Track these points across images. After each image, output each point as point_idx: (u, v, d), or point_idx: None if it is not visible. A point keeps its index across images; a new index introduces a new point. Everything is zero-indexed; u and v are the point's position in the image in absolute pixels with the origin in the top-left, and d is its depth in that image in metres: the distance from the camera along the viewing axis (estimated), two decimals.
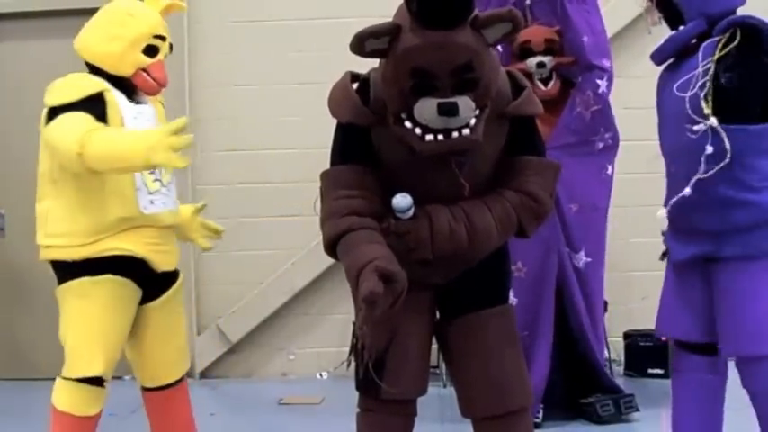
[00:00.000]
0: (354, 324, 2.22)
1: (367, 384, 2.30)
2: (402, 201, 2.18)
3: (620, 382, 4.07)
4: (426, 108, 2.07)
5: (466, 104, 2.07)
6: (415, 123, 2.11)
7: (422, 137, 2.10)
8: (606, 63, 3.84)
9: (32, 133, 4.99)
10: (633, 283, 4.83)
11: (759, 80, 2.40)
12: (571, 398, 3.82)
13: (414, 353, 2.33)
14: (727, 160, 2.34)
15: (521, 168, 2.30)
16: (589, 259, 3.77)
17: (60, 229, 2.68)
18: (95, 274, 2.67)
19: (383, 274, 2.00)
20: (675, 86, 2.45)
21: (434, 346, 2.44)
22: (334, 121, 2.33)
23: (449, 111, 2.05)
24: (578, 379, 3.82)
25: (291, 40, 5.04)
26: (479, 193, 2.26)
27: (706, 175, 2.36)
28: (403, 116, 2.12)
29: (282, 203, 4.88)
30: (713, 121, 2.35)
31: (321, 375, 5.03)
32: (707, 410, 2.62)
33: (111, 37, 2.72)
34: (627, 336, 4.88)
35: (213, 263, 4.95)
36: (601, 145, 3.81)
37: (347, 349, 2.28)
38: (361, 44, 2.07)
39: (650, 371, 4.67)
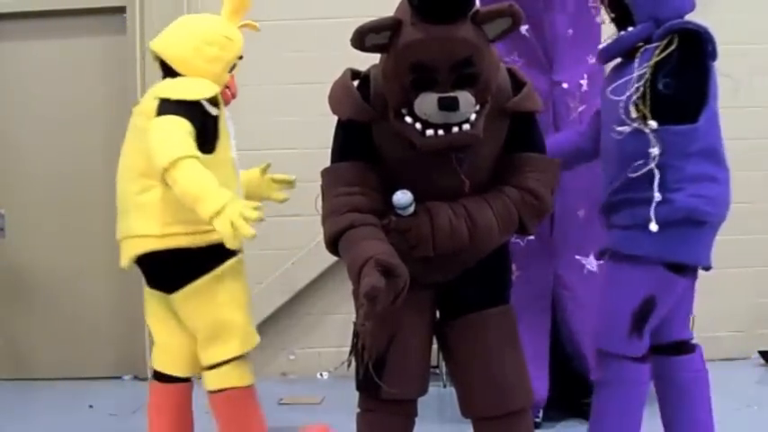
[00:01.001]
0: (355, 324, 2.21)
1: (367, 384, 2.30)
2: (402, 197, 2.17)
3: None
4: (426, 103, 2.07)
5: (466, 99, 2.07)
6: (416, 118, 2.11)
7: (422, 132, 2.10)
8: (591, 59, 3.81)
9: (32, 133, 5.05)
10: None
11: (699, 84, 2.42)
12: (571, 398, 3.82)
13: (414, 353, 2.33)
14: (651, 165, 2.37)
15: (521, 165, 2.30)
16: (601, 261, 3.76)
17: (179, 217, 2.74)
18: (226, 256, 2.83)
19: (384, 268, 2.00)
20: (609, 89, 2.48)
21: (434, 345, 2.44)
22: (335, 121, 2.33)
23: (449, 105, 2.05)
24: (578, 379, 3.81)
25: (291, 40, 5.04)
26: (480, 189, 2.26)
27: (634, 175, 2.40)
28: (403, 111, 2.12)
29: (282, 203, 4.88)
30: (643, 123, 2.37)
31: (321, 375, 5.02)
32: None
33: (212, 58, 2.90)
34: None
35: None
36: None
37: (347, 349, 2.27)
38: (361, 39, 2.07)
39: None
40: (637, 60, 2.44)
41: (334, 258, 2.31)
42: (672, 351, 2.60)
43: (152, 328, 3.03)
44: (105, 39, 5.02)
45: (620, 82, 2.46)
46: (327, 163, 2.33)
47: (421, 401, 2.42)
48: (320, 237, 2.28)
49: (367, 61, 2.27)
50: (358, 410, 2.43)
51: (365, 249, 2.07)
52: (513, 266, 3.57)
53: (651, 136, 2.37)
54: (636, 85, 2.38)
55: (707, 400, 2.58)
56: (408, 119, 2.12)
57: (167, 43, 2.93)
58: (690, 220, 2.41)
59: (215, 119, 2.77)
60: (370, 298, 1.97)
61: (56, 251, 5.00)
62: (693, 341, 2.65)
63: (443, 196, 2.22)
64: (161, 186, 2.75)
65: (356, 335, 2.21)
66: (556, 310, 3.70)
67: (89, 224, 5.01)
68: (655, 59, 2.36)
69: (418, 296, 2.25)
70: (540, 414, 3.65)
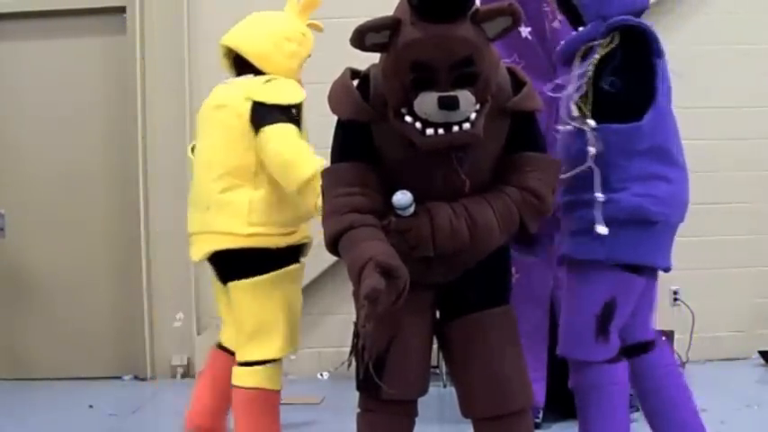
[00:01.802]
0: (355, 324, 2.21)
1: (367, 385, 2.29)
2: (402, 198, 2.17)
3: None
4: (426, 102, 2.06)
5: (466, 99, 2.06)
6: (416, 118, 2.10)
7: (422, 131, 2.09)
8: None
9: (32, 133, 5.04)
10: None
11: (644, 82, 2.37)
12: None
13: (414, 353, 2.32)
14: (589, 164, 2.35)
15: (521, 164, 2.28)
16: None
17: (265, 218, 2.84)
18: (293, 261, 2.94)
19: (384, 269, 2.00)
20: (547, 88, 2.46)
21: (434, 345, 2.43)
22: (335, 122, 2.33)
23: (449, 104, 2.04)
24: None
25: None
26: (480, 189, 2.25)
27: (566, 176, 2.37)
28: (403, 111, 2.12)
29: None
30: (583, 122, 2.34)
31: (321, 375, 5.03)
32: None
33: (291, 54, 3.00)
34: None
35: None
36: None
37: (347, 349, 2.27)
38: (361, 38, 2.06)
39: None
40: (578, 59, 2.41)
41: (334, 258, 2.30)
42: (638, 351, 2.58)
43: (222, 313, 3.17)
44: (105, 39, 5.02)
45: (558, 81, 2.44)
46: (327, 163, 2.32)
47: (421, 401, 2.42)
48: (320, 237, 2.28)
49: (367, 61, 2.27)
50: (358, 410, 2.42)
51: (365, 250, 2.06)
52: (513, 269, 3.57)
53: (590, 135, 2.33)
54: (577, 84, 2.36)
55: (684, 391, 2.56)
56: (408, 118, 2.11)
57: (244, 39, 2.98)
58: (636, 219, 2.37)
59: (298, 120, 2.85)
60: (370, 299, 1.97)
61: (56, 251, 5.00)
62: (657, 338, 2.62)
63: (444, 196, 2.21)
64: (248, 187, 2.84)
65: (356, 335, 2.21)
66: (555, 313, 3.70)
67: (89, 224, 5.02)
68: (597, 57, 2.34)
69: (419, 297, 2.24)
70: (540, 415, 3.65)
